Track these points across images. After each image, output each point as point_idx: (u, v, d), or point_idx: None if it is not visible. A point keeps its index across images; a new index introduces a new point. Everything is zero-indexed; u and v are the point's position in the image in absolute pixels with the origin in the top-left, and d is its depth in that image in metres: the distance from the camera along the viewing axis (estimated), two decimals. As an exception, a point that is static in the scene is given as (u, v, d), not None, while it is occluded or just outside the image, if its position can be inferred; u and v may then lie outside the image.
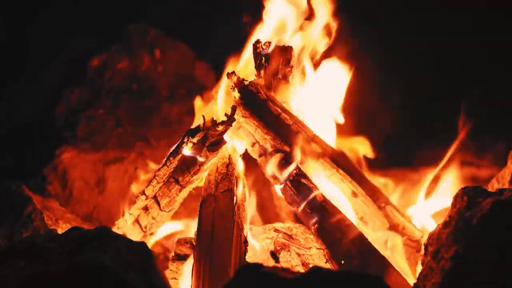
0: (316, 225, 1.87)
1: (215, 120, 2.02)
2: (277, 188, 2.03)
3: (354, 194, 2.06)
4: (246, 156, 2.12)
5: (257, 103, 2.06)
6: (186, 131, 2.05)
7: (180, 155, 2.00)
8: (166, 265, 2.10)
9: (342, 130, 2.31)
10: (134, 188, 2.22)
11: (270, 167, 2.01)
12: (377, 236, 2.09)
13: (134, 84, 3.11)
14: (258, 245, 2.09)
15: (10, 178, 2.43)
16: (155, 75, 3.15)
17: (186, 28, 3.26)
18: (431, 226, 2.07)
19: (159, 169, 2.03)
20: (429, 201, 2.21)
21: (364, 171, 2.20)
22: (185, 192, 2.04)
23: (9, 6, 3.14)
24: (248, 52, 2.21)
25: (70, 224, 2.29)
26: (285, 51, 2.10)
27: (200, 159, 1.97)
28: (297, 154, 2.01)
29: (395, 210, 2.09)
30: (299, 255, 1.96)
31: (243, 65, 2.22)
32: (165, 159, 2.04)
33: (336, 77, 2.27)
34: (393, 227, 2.08)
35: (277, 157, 2.01)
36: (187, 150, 1.99)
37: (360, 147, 2.30)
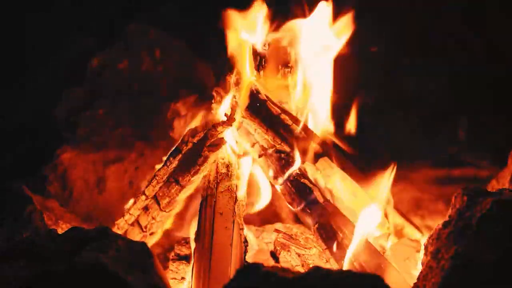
0: (316, 225, 1.87)
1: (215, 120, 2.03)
2: (277, 188, 2.03)
3: (354, 194, 2.06)
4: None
5: (257, 104, 2.06)
6: (187, 131, 2.05)
7: (180, 155, 2.01)
8: (166, 265, 2.10)
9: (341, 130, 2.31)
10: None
11: (270, 167, 2.02)
12: (377, 236, 2.09)
13: (134, 84, 3.11)
14: (258, 245, 2.09)
15: (10, 178, 2.43)
16: (155, 75, 3.15)
17: (186, 28, 3.26)
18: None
19: (159, 169, 2.03)
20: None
21: (364, 170, 2.20)
22: (185, 192, 2.04)
23: (9, 5, 3.14)
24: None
25: (70, 224, 2.29)
26: (284, 51, 2.10)
27: (200, 159, 1.98)
28: (297, 154, 2.01)
29: (395, 210, 2.10)
30: (299, 255, 1.96)
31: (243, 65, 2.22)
32: (165, 159, 2.04)
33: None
34: (393, 226, 2.08)
35: (277, 157, 2.01)
36: (187, 150, 1.99)
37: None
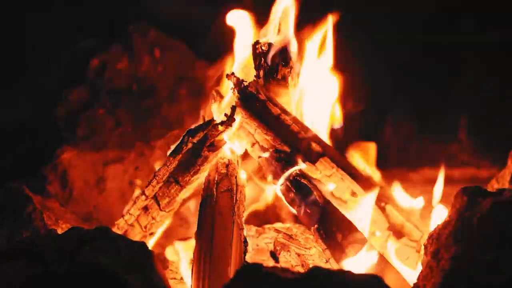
0: (316, 226, 1.87)
1: (215, 120, 2.02)
2: (277, 188, 2.03)
3: (354, 194, 2.06)
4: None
5: (257, 104, 2.06)
6: (186, 131, 2.05)
7: (180, 155, 2.00)
8: (166, 265, 2.10)
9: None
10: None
11: (270, 168, 2.01)
12: (377, 236, 2.09)
13: (134, 84, 3.11)
14: (258, 245, 2.09)
15: (10, 178, 2.43)
16: (155, 75, 3.15)
17: (186, 28, 3.26)
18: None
19: (159, 169, 2.03)
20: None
21: (364, 170, 2.20)
22: (185, 192, 2.04)
23: (9, 5, 3.14)
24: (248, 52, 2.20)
25: (70, 224, 2.29)
26: (284, 51, 2.10)
27: (200, 159, 1.98)
28: (297, 154, 2.00)
29: (395, 210, 2.09)
30: (299, 255, 1.96)
31: (243, 65, 2.22)
32: (165, 159, 2.04)
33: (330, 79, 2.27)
34: (393, 226, 2.08)
35: (277, 158, 2.01)
36: (187, 150, 1.99)
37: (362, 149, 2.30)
